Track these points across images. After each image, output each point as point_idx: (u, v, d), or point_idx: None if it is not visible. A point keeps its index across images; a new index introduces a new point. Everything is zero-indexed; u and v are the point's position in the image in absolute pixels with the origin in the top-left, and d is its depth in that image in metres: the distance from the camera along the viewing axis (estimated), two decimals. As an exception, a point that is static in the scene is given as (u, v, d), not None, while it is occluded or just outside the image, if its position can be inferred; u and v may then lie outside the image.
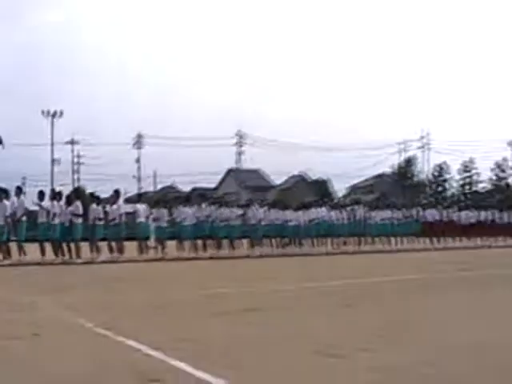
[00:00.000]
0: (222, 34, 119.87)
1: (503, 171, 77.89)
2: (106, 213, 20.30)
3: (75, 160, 73.13)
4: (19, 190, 19.36)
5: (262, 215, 24.51)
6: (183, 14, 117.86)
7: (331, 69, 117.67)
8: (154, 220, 21.92)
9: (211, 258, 21.63)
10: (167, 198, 33.02)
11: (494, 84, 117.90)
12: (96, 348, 6.00)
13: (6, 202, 18.30)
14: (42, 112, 66.00)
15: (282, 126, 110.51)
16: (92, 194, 22.98)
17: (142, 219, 21.46)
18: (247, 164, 77.25)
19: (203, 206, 23.31)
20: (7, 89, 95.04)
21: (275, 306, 9.26)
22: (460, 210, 33.78)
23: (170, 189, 71.05)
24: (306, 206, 27.32)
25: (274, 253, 24.15)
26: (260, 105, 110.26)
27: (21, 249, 18.32)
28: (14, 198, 18.71)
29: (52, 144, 66.29)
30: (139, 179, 72.52)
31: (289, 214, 25.52)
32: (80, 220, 19.44)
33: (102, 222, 20.01)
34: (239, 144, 75.70)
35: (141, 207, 22.12)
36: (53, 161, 65.70)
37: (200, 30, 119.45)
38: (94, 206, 20.23)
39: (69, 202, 19.72)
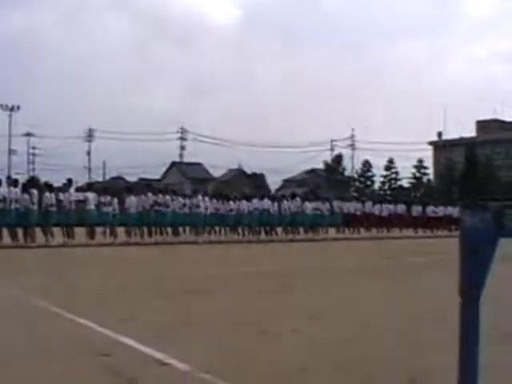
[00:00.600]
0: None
1: (423, 168, 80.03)
2: (58, 200, 20.19)
3: (30, 151, 72.20)
4: None
5: (206, 204, 24.58)
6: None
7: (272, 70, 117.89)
8: (104, 205, 21.75)
9: (156, 243, 21.60)
10: (115, 187, 32.70)
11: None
12: (49, 325, 5.98)
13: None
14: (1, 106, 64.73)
15: (221, 123, 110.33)
16: (46, 183, 22.68)
17: (91, 206, 21.29)
18: (189, 158, 77.28)
19: (149, 195, 23.21)
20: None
21: (212, 288, 9.32)
22: (377, 203, 34.26)
23: (119, 179, 70.38)
24: (247, 198, 27.46)
25: (216, 239, 24.29)
26: (201, 102, 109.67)
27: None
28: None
29: (10, 136, 65.11)
30: (89, 170, 72.10)
31: (232, 204, 25.68)
32: (35, 207, 19.22)
33: (54, 209, 19.90)
34: (182, 139, 75.57)
35: (90, 195, 21.92)
36: (10, 151, 64.70)
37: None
38: (47, 194, 20.10)
39: (25, 189, 19.52)
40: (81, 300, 7.74)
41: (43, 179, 23.44)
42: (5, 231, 18.73)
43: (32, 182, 21.35)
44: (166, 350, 4.73)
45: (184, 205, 23.97)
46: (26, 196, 19.14)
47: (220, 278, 10.93)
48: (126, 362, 4.50)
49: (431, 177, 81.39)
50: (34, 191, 19.62)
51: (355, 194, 66.93)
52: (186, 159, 77.77)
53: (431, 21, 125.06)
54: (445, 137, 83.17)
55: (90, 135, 73.20)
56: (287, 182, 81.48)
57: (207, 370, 4.19)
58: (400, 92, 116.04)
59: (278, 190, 74.62)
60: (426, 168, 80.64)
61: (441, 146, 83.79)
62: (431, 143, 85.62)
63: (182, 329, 5.85)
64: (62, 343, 5.12)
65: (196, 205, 24.14)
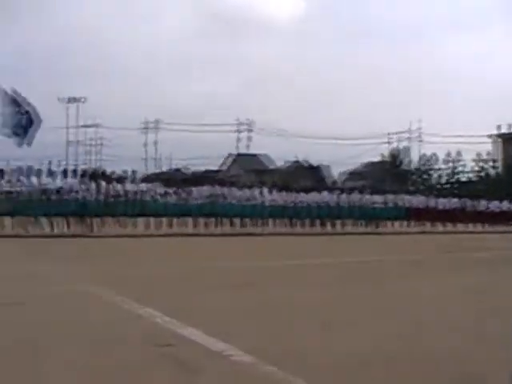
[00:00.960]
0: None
1: (488, 162, 78.01)
2: (123, 191, 20.45)
3: (96, 142, 73.49)
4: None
5: (267, 196, 24.62)
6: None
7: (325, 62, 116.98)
8: (168, 196, 21.98)
9: (218, 234, 21.69)
10: (179, 178, 33.11)
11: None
12: (111, 314, 6.01)
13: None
14: (58, 98, 65.86)
15: (285, 115, 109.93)
16: (103, 173, 23.13)
17: (156, 197, 21.46)
18: (252, 149, 77.37)
19: (212, 186, 23.36)
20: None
21: (275, 279, 9.24)
22: (441, 197, 33.72)
23: (183, 170, 70.90)
24: (307, 190, 27.42)
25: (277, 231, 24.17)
26: (265, 94, 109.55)
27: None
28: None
29: (76, 127, 66.41)
30: (155, 160, 72.87)
31: (292, 196, 25.64)
32: (99, 197, 19.61)
33: (118, 199, 20.18)
34: (245, 131, 75.74)
35: (153, 186, 22.19)
36: (76, 142, 66.10)
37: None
38: (111, 184, 20.43)
39: (88, 179, 19.97)
40: (143, 289, 7.76)
41: (109, 170, 23.80)
42: (63, 221, 19.12)
43: (94, 173, 21.60)
44: (229, 340, 4.69)
45: (246, 196, 24.01)
46: (88, 186, 19.50)
47: (283, 269, 10.87)
48: (190, 352, 4.47)
49: (496, 170, 79.15)
50: (97, 182, 19.97)
51: (414, 188, 65.72)
52: (250, 151, 77.85)
53: (494, 11, 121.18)
54: (504, 130, 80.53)
55: (155, 126, 73.87)
56: (351, 175, 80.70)
57: (272, 361, 4.11)
58: (461, 84, 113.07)
59: (342, 182, 73.94)
60: (492, 161, 78.50)
61: (509, 139, 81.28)
62: (499, 136, 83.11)
63: (245, 319, 5.81)
64: (125, 333, 5.13)
65: (257, 197, 24.16)
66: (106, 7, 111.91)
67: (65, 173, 20.18)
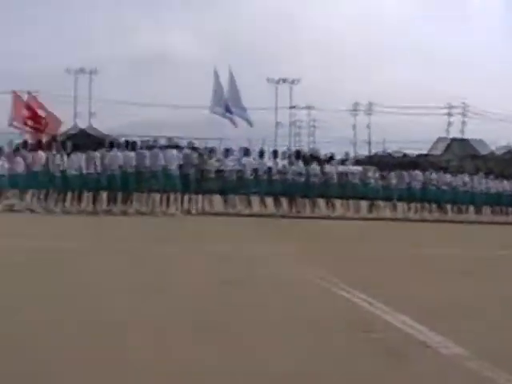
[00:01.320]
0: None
1: None
2: (323, 172, 20.31)
3: (310, 124, 74.51)
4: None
5: (485, 183, 23.31)
6: None
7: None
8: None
9: (422, 220, 20.84)
10: (390, 162, 32.54)
11: None
12: (321, 300, 6.08)
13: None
14: (267, 79, 67.24)
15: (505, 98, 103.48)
16: (311, 155, 23.17)
17: (355, 180, 21.08)
18: (468, 134, 73.89)
19: (416, 171, 22.50)
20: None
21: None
22: None
23: (397, 153, 69.70)
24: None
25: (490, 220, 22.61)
26: (481, 77, 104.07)
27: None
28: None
29: (276, 108, 67.58)
30: (369, 144, 72.49)
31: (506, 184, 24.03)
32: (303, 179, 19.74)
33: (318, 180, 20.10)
34: (456, 114, 72.65)
35: (366, 169, 21.81)
36: (277, 124, 67.41)
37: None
38: (312, 165, 20.43)
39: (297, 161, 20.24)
40: (352, 276, 7.64)
41: (323, 152, 23.83)
42: (270, 201, 19.61)
43: (298, 154, 21.71)
44: (437, 330, 4.59)
45: (459, 182, 22.81)
46: (298, 167, 19.70)
47: (497, 259, 10.22)
48: (397, 340, 4.45)
49: None
50: (309, 163, 20.10)
51: None
52: (462, 135, 74.55)
53: None
54: None
55: (369, 109, 73.31)
56: None
57: (485, 356, 3.93)
58: None
59: None
60: None
61: None
62: None
63: (453, 310, 5.62)
64: (335, 318, 5.17)
65: (470, 183, 22.89)
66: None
67: (275, 154, 20.51)
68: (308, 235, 13.89)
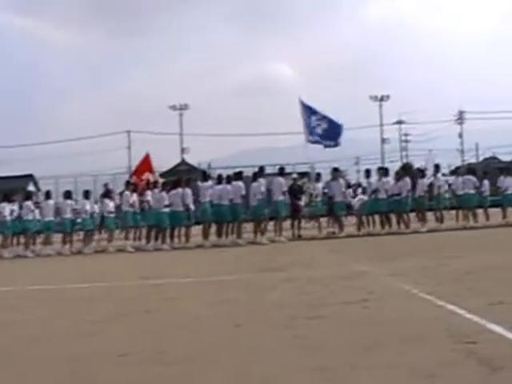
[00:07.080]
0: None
1: None
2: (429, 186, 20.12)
3: (402, 138, 73.81)
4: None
5: None
6: None
7: None
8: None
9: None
10: (489, 168, 31.44)
11: None
12: (415, 310, 6.09)
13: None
14: (370, 97, 67.97)
15: None
16: (418, 169, 22.83)
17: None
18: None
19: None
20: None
21: None
22: None
23: (492, 159, 67.54)
24: None
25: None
26: None
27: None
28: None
29: (381, 125, 67.90)
30: (462, 152, 70.57)
31: None
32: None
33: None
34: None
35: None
36: (382, 140, 67.23)
37: None
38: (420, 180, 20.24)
39: (398, 178, 20.22)
40: (447, 285, 7.60)
41: (416, 165, 23.55)
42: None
43: (405, 169, 21.59)
44: None
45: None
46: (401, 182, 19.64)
47: None
48: (492, 349, 4.36)
49: None
50: (407, 179, 19.90)
51: None
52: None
53: None
54: None
55: (460, 117, 71.69)
56: None
57: None
58: None
59: None
60: None
61: None
62: None
63: None
64: (428, 328, 5.19)
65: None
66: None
67: (382, 170, 20.53)
68: (402, 251, 13.22)
